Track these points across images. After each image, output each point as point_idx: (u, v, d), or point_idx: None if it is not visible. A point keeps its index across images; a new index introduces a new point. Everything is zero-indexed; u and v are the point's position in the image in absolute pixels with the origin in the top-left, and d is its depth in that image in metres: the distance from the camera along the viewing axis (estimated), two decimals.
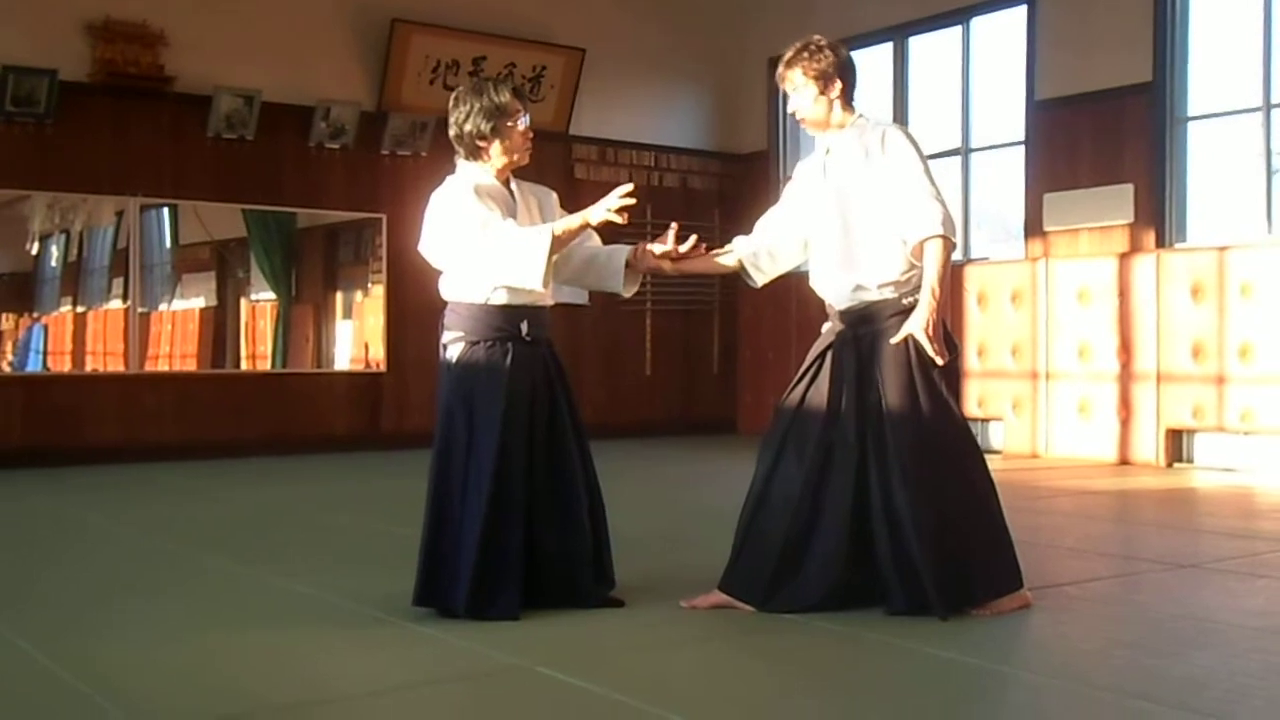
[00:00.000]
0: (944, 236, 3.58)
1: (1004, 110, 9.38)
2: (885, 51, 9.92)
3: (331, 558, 4.87)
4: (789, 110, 3.93)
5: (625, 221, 3.58)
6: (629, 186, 3.56)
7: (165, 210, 8.89)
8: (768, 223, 4.02)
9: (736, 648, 3.46)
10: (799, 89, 3.80)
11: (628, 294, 3.94)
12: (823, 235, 3.82)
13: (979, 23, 9.47)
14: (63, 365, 8.69)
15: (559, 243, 3.58)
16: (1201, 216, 8.37)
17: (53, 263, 8.71)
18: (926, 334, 3.56)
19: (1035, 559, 4.24)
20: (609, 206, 3.53)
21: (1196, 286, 7.86)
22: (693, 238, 3.86)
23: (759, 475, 3.80)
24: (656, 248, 3.83)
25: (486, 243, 3.60)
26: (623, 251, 3.89)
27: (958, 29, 9.53)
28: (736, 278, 4.13)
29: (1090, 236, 8.65)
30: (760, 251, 4.00)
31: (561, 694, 2.98)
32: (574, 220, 3.62)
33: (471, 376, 3.68)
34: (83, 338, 8.78)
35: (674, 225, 3.87)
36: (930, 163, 3.75)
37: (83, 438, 8.41)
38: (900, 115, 9.82)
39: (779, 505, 3.71)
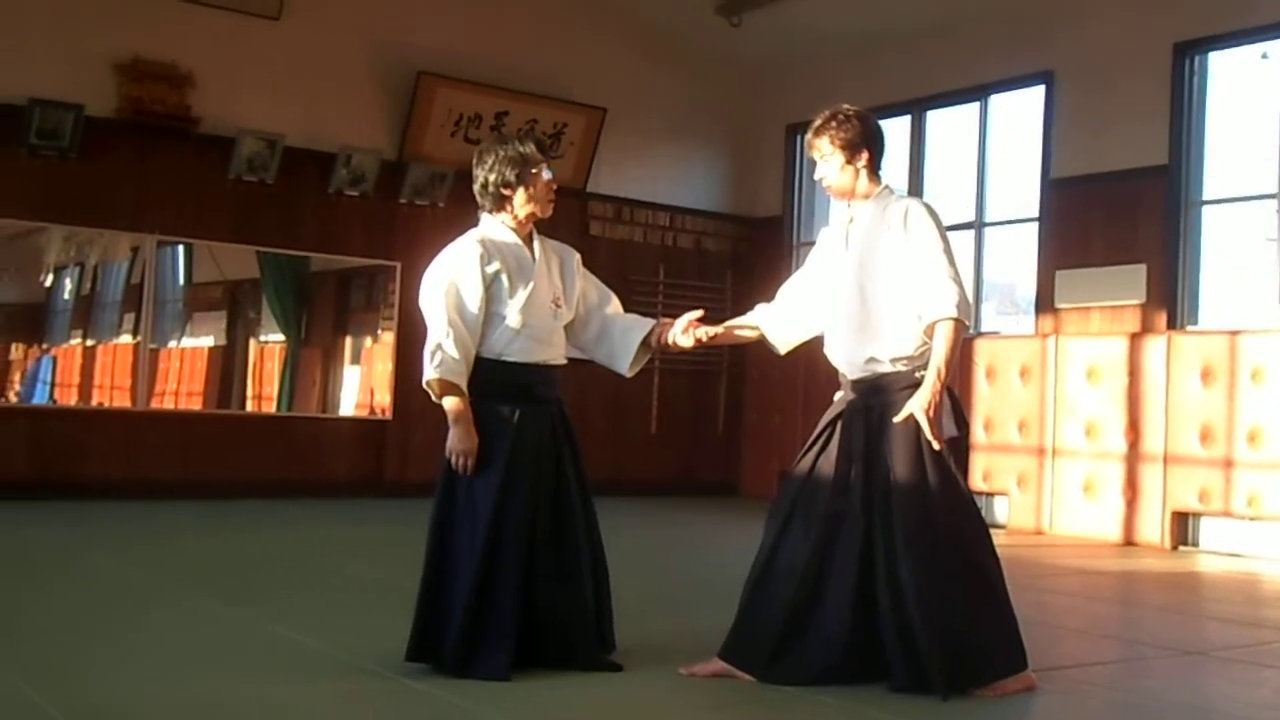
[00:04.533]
0: (957, 319, 3.59)
1: (1019, 186, 9.43)
2: (903, 124, 9.98)
3: (329, 605, 4.84)
4: (815, 177, 3.94)
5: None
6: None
7: (180, 248, 8.94)
8: (790, 289, 4.02)
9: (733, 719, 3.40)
10: (826, 157, 3.81)
11: (630, 374, 3.92)
12: (840, 304, 3.81)
13: (997, 100, 9.55)
14: (69, 398, 8.69)
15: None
16: (1214, 299, 8.38)
17: (65, 295, 8.74)
18: (927, 414, 3.56)
19: (1040, 640, 4.18)
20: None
21: (1207, 369, 7.84)
22: (720, 328, 3.95)
23: (765, 543, 3.77)
24: (681, 339, 3.85)
25: (433, 330, 3.64)
26: (639, 331, 3.89)
27: (976, 105, 9.60)
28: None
29: (1101, 315, 8.65)
30: (782, 319, 4.00)
31: None
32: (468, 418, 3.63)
33: (476, 433, 3.66)
34: (91, 371, 8.79)
35: (699, 313, 3.88)
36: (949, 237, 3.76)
37: (86, 472, 8.38)
38: (916, 187, 9.86)
39: (784, 575, 3.68)
